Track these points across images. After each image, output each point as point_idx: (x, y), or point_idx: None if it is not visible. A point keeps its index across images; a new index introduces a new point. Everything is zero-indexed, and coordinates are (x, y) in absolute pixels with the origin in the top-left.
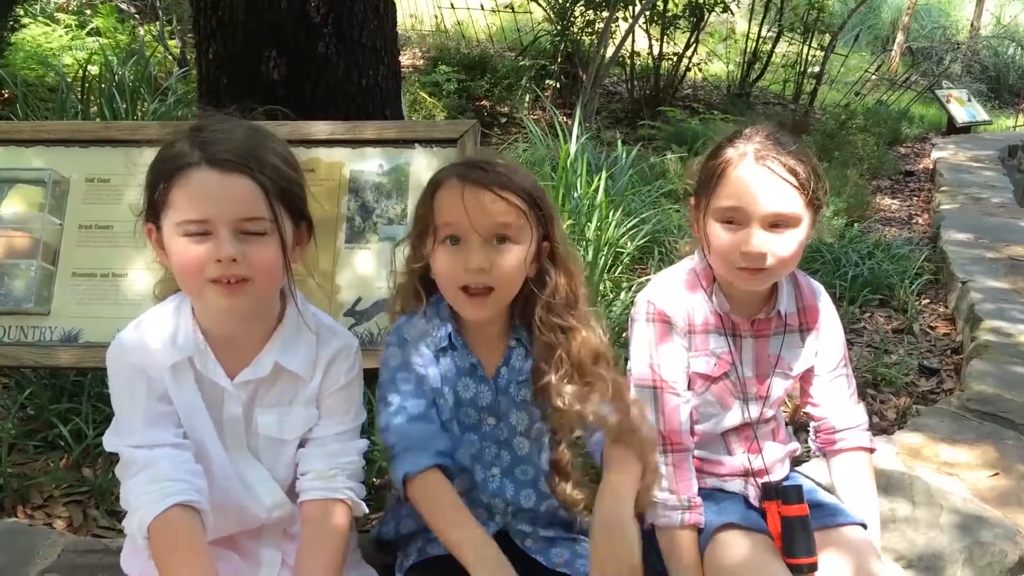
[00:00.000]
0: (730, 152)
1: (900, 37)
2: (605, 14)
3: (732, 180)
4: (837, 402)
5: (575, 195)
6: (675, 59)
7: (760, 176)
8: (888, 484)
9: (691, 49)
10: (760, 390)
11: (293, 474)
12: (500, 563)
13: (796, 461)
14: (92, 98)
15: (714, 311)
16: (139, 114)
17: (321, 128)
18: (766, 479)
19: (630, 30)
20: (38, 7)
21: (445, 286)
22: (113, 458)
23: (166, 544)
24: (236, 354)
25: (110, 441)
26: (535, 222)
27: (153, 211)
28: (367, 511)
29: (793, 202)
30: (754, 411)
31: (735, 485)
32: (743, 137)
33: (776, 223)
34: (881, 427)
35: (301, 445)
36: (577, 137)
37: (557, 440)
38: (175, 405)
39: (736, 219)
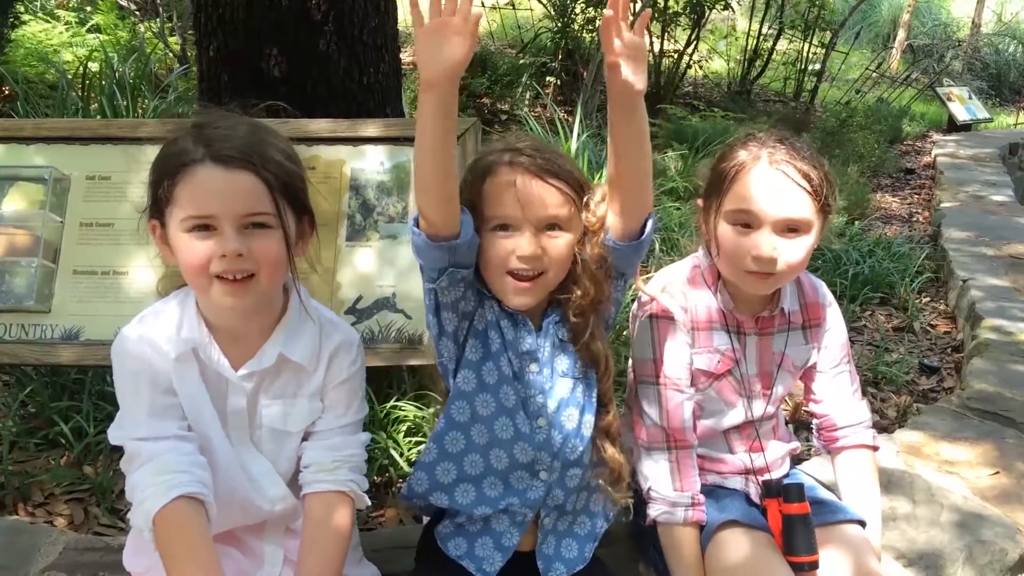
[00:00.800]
0: (743, 155)
1: (901, 34)
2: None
3: (745, 183)
4: (839, 399)
5: None
6: (676, 56)
7: (774, 180)
8: (888, 482)
9: (692, 46)
10: (764, 388)
11: (295, 467)
12: None
13: (796, 459)
14: (93, 95)
15: (718, 308)
16: (140, 111)
17: (322, 126)
18: (767, 477)
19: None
20: (38, 4)
21: (492, 272)
22: (114, 456)
23: (171, 535)
24: (240, 346)
25: (114, 434)
26: (582, 209)
27: (157, 208)
28: (369, 503)
29: (806, 207)
30: (757, 409)
31: (735, 482)
32: (757, 140)
33: (788, 228)
34: (882, 425)
35: (304, 439)
36: (578, 134)
37: (606, 408)
38: (179, 397)
39: (748, 222)
